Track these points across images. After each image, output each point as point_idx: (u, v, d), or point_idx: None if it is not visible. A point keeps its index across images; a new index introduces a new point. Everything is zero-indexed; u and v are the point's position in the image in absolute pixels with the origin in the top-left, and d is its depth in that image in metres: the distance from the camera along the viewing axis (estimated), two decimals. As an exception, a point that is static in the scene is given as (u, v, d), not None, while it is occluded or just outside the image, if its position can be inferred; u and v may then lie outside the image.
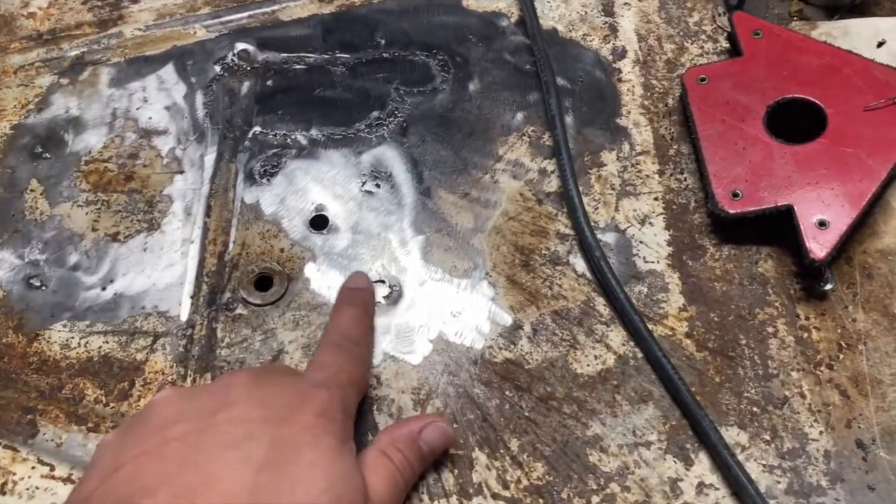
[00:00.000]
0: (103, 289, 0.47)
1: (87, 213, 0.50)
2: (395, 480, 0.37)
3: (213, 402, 0.35)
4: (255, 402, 0.35)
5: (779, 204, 0.45)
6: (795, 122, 0.48)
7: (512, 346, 0.44)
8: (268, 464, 0.32)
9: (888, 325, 0.44)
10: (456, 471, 0.41)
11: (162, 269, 0.47)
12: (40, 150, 0.52)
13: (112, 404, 0.43)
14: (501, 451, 0.41)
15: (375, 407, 0.43)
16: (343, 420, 0.36)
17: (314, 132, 0.52)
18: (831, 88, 0.48)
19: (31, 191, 0.51)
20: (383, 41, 0.56)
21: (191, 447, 0.33)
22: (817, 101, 0.47)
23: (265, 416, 0.34)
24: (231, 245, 0.48)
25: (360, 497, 0.34)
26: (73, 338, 0.46)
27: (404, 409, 0.43)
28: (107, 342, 0.45)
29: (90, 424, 0.43)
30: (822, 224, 0.44)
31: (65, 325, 0.46)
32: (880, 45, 0.52)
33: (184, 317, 0.46)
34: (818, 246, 0.43)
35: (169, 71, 0.55)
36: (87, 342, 0.45)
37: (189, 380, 0.44)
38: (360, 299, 0.44)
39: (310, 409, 0.35)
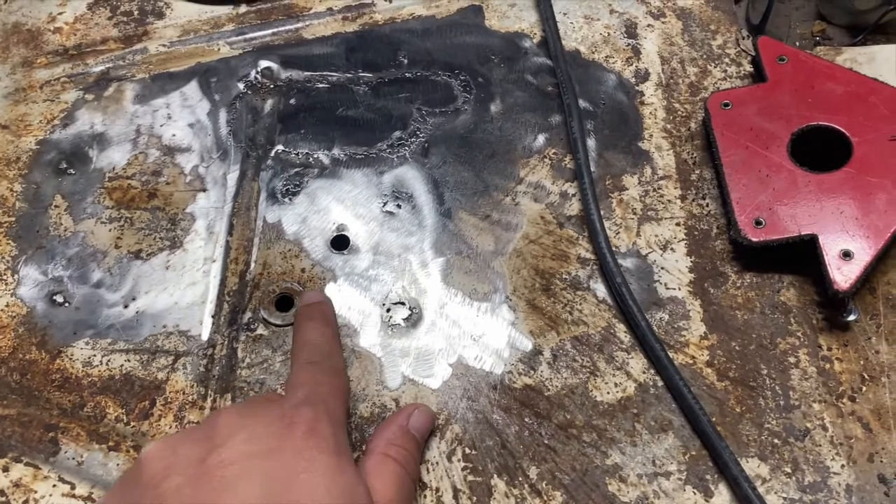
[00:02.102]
0: (125, 307, 0.47)
1: (110, 230, 0.50)
2: (401, 479, 0.37)
3: (200, 449, 0.34)
4: (241, 439, 0.34)
5: (802, 233, 0.45)
6: (820, 151, 0.48)
7: (532, 372, 0.44)
8: (267, 499, 0.32)
9: (912, 357, 0.43)
10: (475, 498, 0.41)
11: (184, 288, 0.48)
12: (65, 165, 0.53)
13: (133, 423, 0.44)
14: (520, 478, 0.41)
15: (395, 431, 0.43)
16: (333, 433, 0.36)
17: (336, 151, 0.52)
18: (857, 116, 0.47)
19: (56, 207, 0.51)
20: (406, 61, 0.56)
21: (187, 499, 0.32)
22: (843, 130, 0.47)
23: (254, 452, 0.34)
24: (253, 264, 0.48)
25: None
26: (95, 355, 0.46)
27: (423, 434, 0.43)
28: (128, 360, 0.46)
29: (111, 443, 0.43)
30: (846, 255, 0.43)
31: (87, 343, 0.46)
32: (906, 72, 0.52)
33: (205, 336, 0.46)
34: (842, 277, 0.43)
35: (193, 88, 0.55)
36: (108, 360, 0.46)
37: (209, 399, 0.44)
38: (317, 312, 0.44)
39: (297, 431, 0.35)
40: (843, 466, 0.41)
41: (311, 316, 0.43)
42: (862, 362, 0.44)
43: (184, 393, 0.44)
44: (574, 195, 0.50)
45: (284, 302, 0.47)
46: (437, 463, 0.42)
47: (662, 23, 0.57)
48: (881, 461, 0.41)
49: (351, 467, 0.35)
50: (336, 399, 0.38)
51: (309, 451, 0.34)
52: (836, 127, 0.47)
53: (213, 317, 0.47)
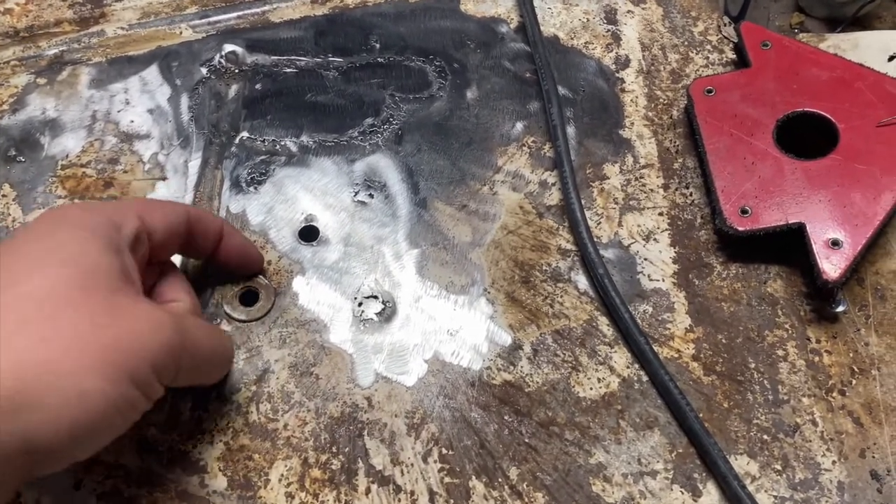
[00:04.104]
0: (78, 301, 0.44)
1: (62, 221, 0.47)
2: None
3: None
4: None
5: (790, 222, 0.43)
6: (806, 137, 0.46)
7: (511, 368, 0.42)
8: None
9: (903, 349, 0.42)
10: (452, 501, 0.38)
11: (141, 282, 0.45)
12: (14, 153, 0.49)
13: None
14: (500, 479, 0.39)
15: (366, 431, 0.40)
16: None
17: (305, 139, 0.50)
18: (843, 103, 0.46)
19: (3, 196, 0.48)
20: (378, 45, 0.54)
21: None
22: (829, 116, 0.46)
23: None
24: (215, 257, 0.45)
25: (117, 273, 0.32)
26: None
27: (397, 434, 0.40)
28: (81, 359, 0.42)
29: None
30: (835, 243, 0.42)
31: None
32: (891, 58, 0.50)
33: (164, 332, 0.43)
34: (831, 266, 0.42)
35: (153, 72, 0.52)
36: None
37: (168, 401, 0.41)
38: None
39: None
40: (834, 463, 0.39)
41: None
42: (851, 355, 0.42)
43: (140, 393, 0.41)
44: (554, 184, 0.48)
45: (248, 296, 0.44)
46: (412, 464, 0.39)
47: (643, 9, 0.55)
48: (873, 457, 0.40)
49: (128, 304, 0.32)
50: (131, 220, 0.35)
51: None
52: (822, 113, 0.46)
53: (172, 312, 0.44)
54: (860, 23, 0.73)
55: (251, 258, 0.43)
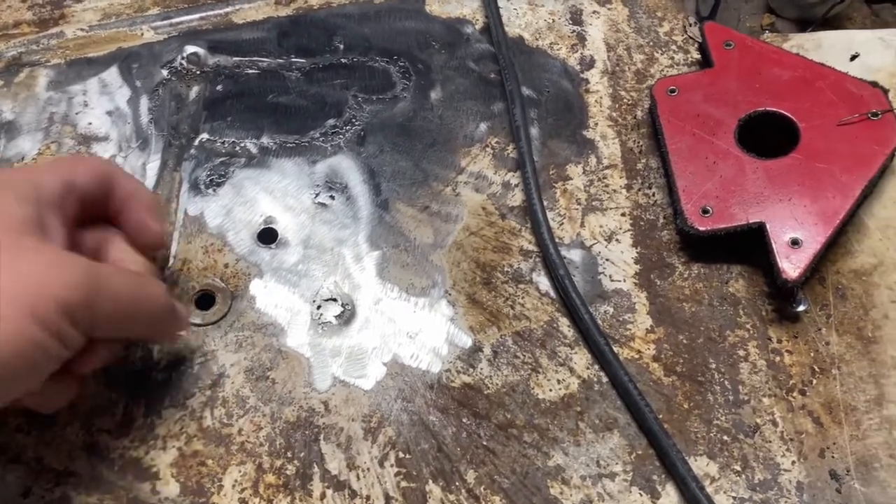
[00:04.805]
0: (32, 306, 0.43)
1: (17, 224, 0.46)
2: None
3: None
4: None
5: (750, 221, 0.43)
6: (768, 137, 0.46)
7: (471, 370, 0.42)
8: None
9: (862, 348, 0.42)
10: (408, 505, 0.38)
11: (97, 285, 0.44)
12: (-31, 155, 0.49)
13: (34, 432, 0.40)
14: (457, 483, 0.39)
15: (322, 436, 0.40)
16: (22, 212, 0.32)
17: (265, 140, 0.49)
18: (804, 102, 0.46)
19: (-42, 199, 0.47)
20: (342, 46, 0.53)
21: None
22: (790, 115, 0.46)
23: None
24: (172, 259, 0.45)
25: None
26: None
27: (354, 439, 0.40)
28: (33, 364, 0.42)
29: (10, 455, 0.39)
30: (794, 243, 0.42)
31: None
32: (853, 58, 0.50)
33: (119, 337, 0.43)
34: (791, 265, 0.41)
35: (112, 74, 0.52)
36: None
37: (121, 405, 0.40)
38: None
39: None
40: (793, 463, 0.39)
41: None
42: (812, 354, 0.42)
43: (92, 397, 0.41)
44: (517, 185, 0.48)
45: (205, 300, 0.44)
46: (368, 469, 0.39)
47: (608, 9, 0.55)
48: (832, 456, 0.39)
49: (36, 247, 0.32)
50: (51, 175, 0.34)
51: None
52: (784, 112, 0.46)
53: (128, 316, 0.43)
54: (830, 23, 0.73)
55: (145, 231, 0.39)
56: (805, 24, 0.72)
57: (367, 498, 0.38)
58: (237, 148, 0.49)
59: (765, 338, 0.43)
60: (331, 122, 0.50)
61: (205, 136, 0.49)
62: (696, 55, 0.53)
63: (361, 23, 0.54)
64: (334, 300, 0.44)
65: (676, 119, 0.47)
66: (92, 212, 0.37)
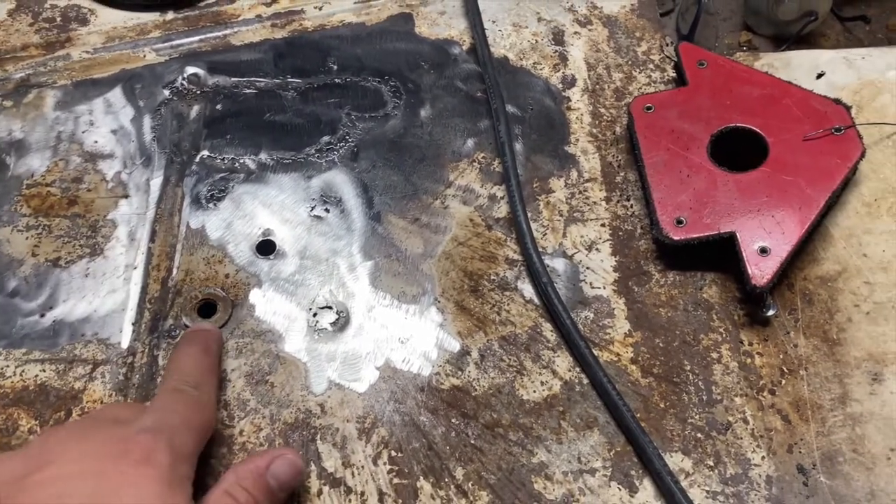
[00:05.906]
0: (42, 315, 0.46)
1: (27, 238, 0.49)
2: None
3: (26, 465, 0.33)
4: (71, 457, 0.33)
5: (722, 231, 0.46)
6: (738, 151, 0.49)
7: (459, 373, 0.44)
8: None
9: (827, 350, 0.44)
10: (400, 501, 0.40)
11: (104, 296, 0.46)
12: (-20, 173, 0.51)
13: (46, 435, 0.42)
14: (446, 479, 0.41)
15: (319, 436, 0.42)
16: (171, 464, 0.34)
17: (263, 156, 0.52)
18: (772, 118, 0.49)
19: (-30, 215, 0.49)
20: (335, 66, 0.56)
21: None
22: (759, 131, 0.49)
23: (81, 471, 0.33)
24: (175, 271, 0.47)
25: None
26: (7, 366, 0.44)
27: (349, 439, 0.42)
28: (44, 370, 0.44)
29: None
30: (763, 251, 0.44)
31: (0, 353, 0.45)
32: (819, 76, 0.53)
33: (125, 344, 0.45)
34: (759, 272, 0.44)
35: (116, 94, 0.54)
36: (22, 371, 0.44)
37: (128, 409, 0.43)
38: (200, 339, 0.42)
39: (130, 457, 0.33)
40: (763, 458, 0.42)
41: (191, 341, 0.42)
42: (781, 356, 0.45)
43: (101, 402, 0.43)
44: (502, 198, 0.50)
45: (207, 308, 0.46)
46: (362, 467, 0.41)
47: (589, 30, 0.58)
48: (800, 452, 0.42)
49: (182, 498, 0.34)
50: (187, 432, 0.37)
51: (137, 478, 0.33)
52: (753, 128, 0.49)
53: (133, 324, 0.45)
54: (806, 40, 0.76)
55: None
56: (781, 41, 0.75)
57: (362, 494, 0.40)
58: (236, 164, 0.51)
59: (737, 341, 0.45)
60: (325, 139, 0.52)
61: (205, 152, 0.52)
62: (672, 73, 0.56)
63: (354, 44, 0.57)
64: (329, 308, 0.46)
65: (652, 135, 0.50)
66: None
